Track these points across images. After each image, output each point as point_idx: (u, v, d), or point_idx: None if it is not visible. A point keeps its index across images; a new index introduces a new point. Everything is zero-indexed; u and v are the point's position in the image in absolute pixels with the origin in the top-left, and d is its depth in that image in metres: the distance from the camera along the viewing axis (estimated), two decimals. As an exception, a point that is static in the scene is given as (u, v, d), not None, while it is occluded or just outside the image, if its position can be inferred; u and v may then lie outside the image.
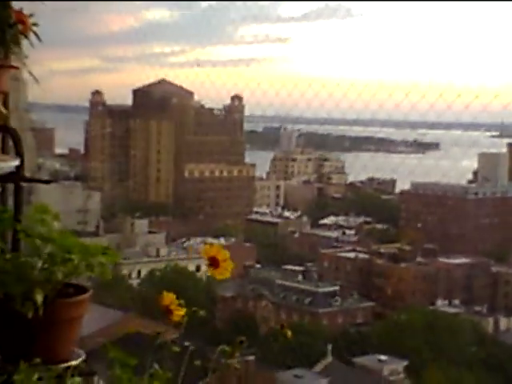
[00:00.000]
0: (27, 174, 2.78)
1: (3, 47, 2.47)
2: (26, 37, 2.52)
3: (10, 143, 2.76)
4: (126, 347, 2.65)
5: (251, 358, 44.55)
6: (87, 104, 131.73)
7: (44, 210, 2.43)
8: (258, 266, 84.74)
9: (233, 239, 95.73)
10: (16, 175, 2.66)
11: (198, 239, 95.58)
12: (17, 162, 2.64)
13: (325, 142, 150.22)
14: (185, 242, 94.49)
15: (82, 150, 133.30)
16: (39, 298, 2.24)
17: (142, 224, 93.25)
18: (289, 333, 2.79)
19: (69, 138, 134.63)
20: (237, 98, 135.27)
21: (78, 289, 2.42)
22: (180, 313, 2.71)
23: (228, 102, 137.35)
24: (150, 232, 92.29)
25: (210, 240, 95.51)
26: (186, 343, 2.84)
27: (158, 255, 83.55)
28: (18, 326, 2.30)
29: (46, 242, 2.36)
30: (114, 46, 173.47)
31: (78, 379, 2.38)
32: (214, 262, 2.69)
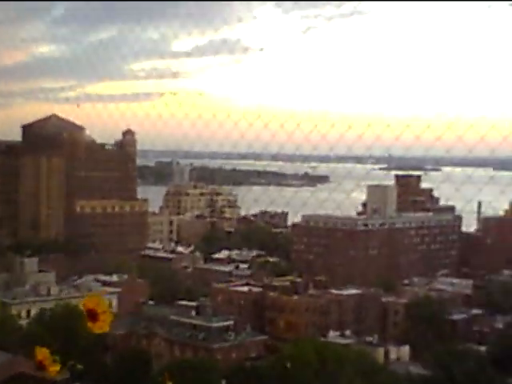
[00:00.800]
0: None
1: None
2: None
3: None
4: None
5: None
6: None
7: None
8: (152, 302, 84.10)
9: (126, 276, 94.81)
10: None
11: (90, 276, 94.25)
12: None
13: (217, 175, 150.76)
14: (76, 279, 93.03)
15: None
16: None
17: (31, 262, 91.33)
18: None
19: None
20: (129, 132, 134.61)
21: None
22: (55, 368, 2.59)
23: (120, 137, 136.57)
24: (40, 270, 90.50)
25: (102, 277, 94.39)
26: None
27: (48, 294, 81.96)
28: None
29: None
30: (1, 81, 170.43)
31: None
32: (92, 315, 2.61)
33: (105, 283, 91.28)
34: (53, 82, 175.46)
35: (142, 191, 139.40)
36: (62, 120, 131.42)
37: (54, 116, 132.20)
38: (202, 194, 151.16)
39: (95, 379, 53.87)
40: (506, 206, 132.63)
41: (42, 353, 2.63)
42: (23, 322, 72.92)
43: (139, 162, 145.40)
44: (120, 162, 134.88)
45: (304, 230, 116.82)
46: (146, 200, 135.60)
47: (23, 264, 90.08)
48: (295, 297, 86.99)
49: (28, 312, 76.95)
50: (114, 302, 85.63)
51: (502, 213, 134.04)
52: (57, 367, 2.62)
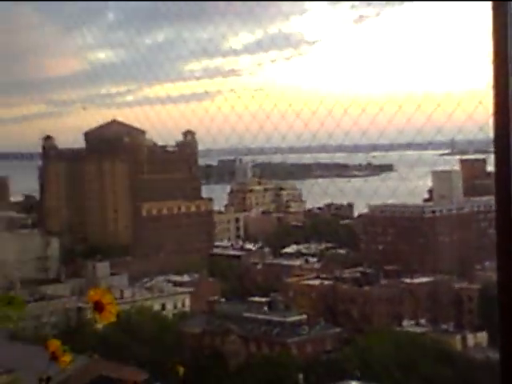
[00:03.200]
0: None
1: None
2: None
3: None
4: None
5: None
6: (38, 150, 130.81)
7: None
8: (223, 300, 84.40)
9: (196, 275, 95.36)
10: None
11: (161, 278, 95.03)
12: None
13: (279, 170, 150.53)
14: (148, 281, 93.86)
15: (38, 197, 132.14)
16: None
17: (103, 266, 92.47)
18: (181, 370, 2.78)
19: (23, 185, 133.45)
20: (189, 133, 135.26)
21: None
22: (66, 359, 2.69)
23: (180, 138, 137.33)
24: (112, 274, 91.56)
25: (173, 278, 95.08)
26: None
27: (122, 297, 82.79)
28: None
29: None
30: (59, 89, 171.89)
31: None
32: (98, 307, 2.65)
33: (176, 283, 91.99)
34: (112, 87, 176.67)
35: (206, 190, 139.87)
36: (123, 124, 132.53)
37: (115, 121, 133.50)
38: (266, 190, 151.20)
39: (173, 379, 54.18)
40: None
41: (54, 344, 2.69)
42: (99, 326, 73.82)
43: (202, 161, 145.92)
44: (182, 163, 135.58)
45: (371, 220, 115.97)
46: (210, 199, 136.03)
47: (95, 268, 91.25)
48: (367, 287, 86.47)
49: (103, 316, 77.78)
50: (187, 302, 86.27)
51: None
52: (68, 357, 2.67)
